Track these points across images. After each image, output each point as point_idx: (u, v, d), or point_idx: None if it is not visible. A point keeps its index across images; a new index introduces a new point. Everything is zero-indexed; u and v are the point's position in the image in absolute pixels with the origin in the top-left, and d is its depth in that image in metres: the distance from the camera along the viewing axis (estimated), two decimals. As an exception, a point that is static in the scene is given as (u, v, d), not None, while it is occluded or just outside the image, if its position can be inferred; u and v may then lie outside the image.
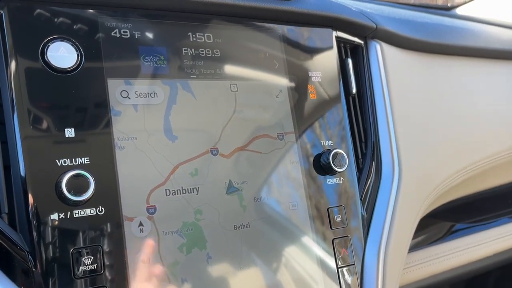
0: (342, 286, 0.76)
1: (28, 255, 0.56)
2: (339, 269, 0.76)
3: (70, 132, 0.60)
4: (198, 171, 0.68)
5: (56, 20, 0.62)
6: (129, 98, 0.65)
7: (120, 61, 0.65)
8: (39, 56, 0.60)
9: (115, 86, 0.64)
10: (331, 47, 0.85)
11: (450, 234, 1.12)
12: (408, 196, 0.86)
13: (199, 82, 0.71)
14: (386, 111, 0.88)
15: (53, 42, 0.61)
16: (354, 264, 0.78)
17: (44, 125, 0.59)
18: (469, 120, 1.05)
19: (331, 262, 0.76)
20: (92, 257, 0.58)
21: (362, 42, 0.91)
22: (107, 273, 0.58)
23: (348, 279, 0.77)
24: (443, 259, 1.04)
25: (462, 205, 1.23)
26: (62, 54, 0.61)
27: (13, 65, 0.58)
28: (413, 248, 1.04)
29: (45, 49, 0.60)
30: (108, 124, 0.62)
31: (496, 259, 1.15)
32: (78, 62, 0.62)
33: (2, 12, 0.59)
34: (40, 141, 0.58)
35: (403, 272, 1.00)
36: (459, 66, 1.09)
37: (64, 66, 0.61)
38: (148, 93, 0.67)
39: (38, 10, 0.61)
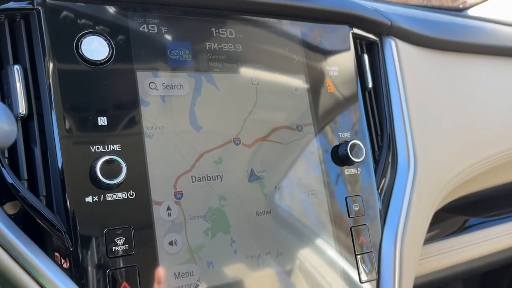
0: (360, 272, 0.78)
1: (65, 235, 0.59)
2: (357, 256, 0.79)
3: (102, 121, 0.63)
4: (222, 159, 0.71)
5: (88, 16, 0.66)
6: (157, 89, 0.69)
7: (148, 54, 0.69)
8: (74, 49, 0.64)
9: (143, 78, 0.68)
10: (348, 43, 0.88)
11: (465, 228, 1.13)
12: (423, 187, 0.88)
13: (222, 75, 0.74)
14: (401, 105, 0.91)
15: (86, 37, 0.65)
16: (371, 251, 0.80)
17: (79, 114, 0.62)
18: (482, 116, 1.07)
19: (349, 249, 0.78)
20: (124, 238, 0.61)
21: (377, 39, 0.94)
22: (138, 253, 0.62)
23: (366, 266, 0.79)
24: (458, 251, 1.06)
25: (476, 201, 1.25)
26: (95, 48, 0.65)
27: (50, 58, 0.62)
28: (428, 240, 1.06)
29: (79, 43, 0.64)
30: (138, 113, 0.66)
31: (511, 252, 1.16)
32: (109, 55, 0.66)
33: (40, 9, 0.63)
34: (75, 130, 0.62)
35: (418, 263, 1.01)
36: (473, 63, 1.11)
37: (97, 59, 0.65)
38: (174, 85, 0.70)
39: (72, 8, 0.65)
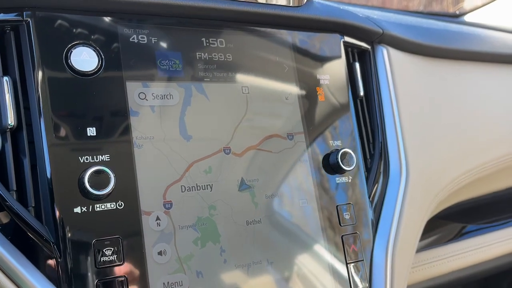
0: (351, 281, 0.78)
1: (53, 245, 0.59)
2: (348, 265, 0.79)
3: (91, 131, 0.64)
4: (212, 168, 0.71)
5: (78, 27, 0.66)
6: (147, 99, 0.69)
7: (138, 65, 0.69)
8: (63, 61, 0.64)
9: (133, 88, 0.68)
10: (339, 52, 0.88)
11: (461, 235, 1.13)
12: (415, 196, 0.88)
13: (212, 85, 0.75)
14: (393, 113, 0.91)
15: (76, 47, 0.65)
16: (363, 260, 0.80)
17: (68, 125, 0.63)
18: (476, 123, 1.07)
19: (340, 257, 0.78)
20: (113, 248, 0.61)
21: (369, 47, 0.94)
22: (126, 264, 0.62)
23: (358, 274, 0.79)
24: (452, 258, 1.06)
25: (472, 207, 1.25)
26: (84, 58, 0.66)
27: (39, 69, 0.63)
28: (424, 247, 1.06)
29: (69, 54, 0.65)
30: (127, 124, 0.66)
31: (508, 259, 1.16)
32: (99, 66, 0.66)
33: (29, 20, 0.64)
34: (64, 140, 0.62)
35: (412, 271, 1.01)
36: (466, 70, 1.11)
37: (86, 70, 0.65)
38: (164, 95, 0.70)
39: (62, 18, 0.66)
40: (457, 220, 1.21)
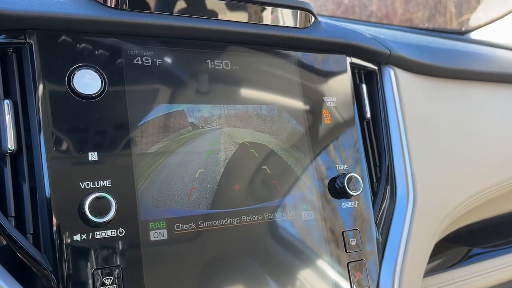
0: (357, 308, 0.76)
1: (51, 274, 0.58)
2: (354, 291, 0.77)
3: (93, 156, 0.62)
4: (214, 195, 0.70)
5: (81, 49, 0.65)
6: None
7: (142, 87, 0.68)
8: (66, 83, 0.63)
9: (137, 112, 0.67)
10: (345, 73, 0.87)
11: (467, 259, 1.11)
12: (423, 220, 0.86)
13: (218, 107, 0.73)
14: (400, 136, 0.89)
15: (79, 70, 0.64)
16: (369, 287, 0.78)
17: (69, 149, 0.61)
18: (484, 144, 1.05)
19: (345, 285, 0.76)
20: (112, 278, 0.59)
21: (376, 68, 0.93)
22: (126, 293, 0.60)
23: (363, 300, 0.77)
24: (460, 284, 1.04)
25: (478, 230, 1.22)
26: (87, 81, 0.64)
27: (41, 90, 0.61)
28: (429, 272, 1.04)
29: (71, 76, 0.63)
30: (129, 148, 0.65)
31: (515, 284, 1.13)
32: (102, 89, 0.65)
33: (31, 41, 0.63)
34: (65, 164, 0.61)
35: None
36: (473, 91, 1.10)
37: (89, 93, 0.64)
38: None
39: (65, 39, 0.65)
40: (464, 242, 1.19)
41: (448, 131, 0.99)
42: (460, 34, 1.66)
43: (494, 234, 1.24)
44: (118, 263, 0.60)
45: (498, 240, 1.21)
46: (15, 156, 0.62)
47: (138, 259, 0.62)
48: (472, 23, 1.70)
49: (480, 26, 1.61)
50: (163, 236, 0.64)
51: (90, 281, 0.58)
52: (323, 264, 0.75)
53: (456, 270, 1.05)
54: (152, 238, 0.64)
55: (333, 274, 0.75)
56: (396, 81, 0.93)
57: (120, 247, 0.61)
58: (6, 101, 0.61)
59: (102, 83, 0.65)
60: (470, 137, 1.03)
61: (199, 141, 0.71)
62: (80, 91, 0.64)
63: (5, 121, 0.61)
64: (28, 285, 0.57)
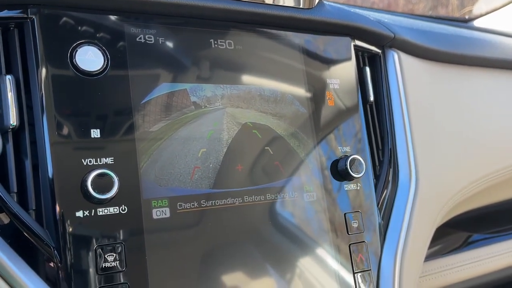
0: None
1: (54, 250, 0.57)
2: (355, 274, 0.77)
3: (95, 133, 0.62)
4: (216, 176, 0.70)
5: (84, 25, 0.65)
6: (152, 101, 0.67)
7: (144, 65, 0.68)
8: (68, 60, 0.62)
9: (139, 89, 0.66)
10: (349, 56, 0.86)
11: (467, 245, 1.11)
12: (425, 204, 0.86)
13: (220, 86, 0.73)
14: (403, 119, 0.89)
15: (81, 46, 0.64)
16: (370, 269, 0.78)
17: (71, 126, 0.61)
18: (487, 130, 1.05)
19: (347, 266, 0.76)
20: (115, 254, 0.59)
21: (379, 51, 0.93)
22: (129, 270, 0.60)
23: (365, 284, 0.77)
24: (460, 269, 1.04)
25: (479, 216, 1.22)
26: (90, 58, 0.64)
27: (43, 68, 0.61)
28: (430, 257, 1.04)
29: (74, 53, 0.63)
30: (132, 125, 0.64)
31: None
32: (104, 66, 0.64)
33: (34, 17, 0.62)
34: (67, 141, 0.60)
35: (419, 281, 0.99)
36: (477, 76, 1.09)
37: (92, 70, 0.63)
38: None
39: (68, 17, 0.64)
40: (464, 228, 1.19)
41: (451, 116, 0.99)
42: (464, 22, 1.65)
43: (493, 221, 1.24)
44: (121, 240, 0.60)
45: (497, 227, 1.21)
46: (17, 132, 0.61)
47: (141, 236, 0.62)
48: (475, 13, 1.69)
49: (482, 15, 1.60)
50: (165, 214, 0.64)
51: (93, 258, 0.58)
52: (325, 245, 0.75)
53: (457, 255, 1.06)
54: (154, 216, 0.63)
55: (335, 255, 0.75)
56: (400, 65, 0.92)
57: (123, 225, 0.61)
58: (8, 77, 0.61)
59: (104, 60, 0.65)
60: (473, 122, 1.03)
61: (201, 121, 0.71)
62: (83, 67, 0.63)
63: (7, 97, 0.60)
64: (31, 261, 0.57)
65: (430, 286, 1.00)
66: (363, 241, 0.79)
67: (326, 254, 0.75)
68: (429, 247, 1.05)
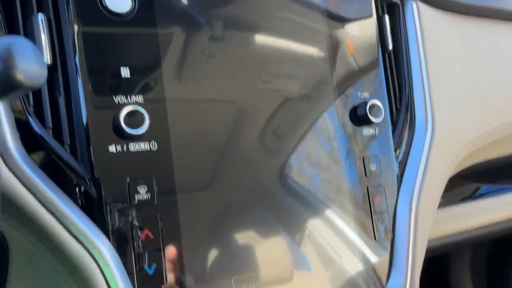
0: (375, 232, 0.79)
1: (89, 182, 0.60)
2: (373, 215, 0.80)
3: (125, 72, 0.64)
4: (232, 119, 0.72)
5: None
6: (178, 47, 0.69)
7: (172, 11, 0.69)
8: (97, 0, 0.64)
9: (166, 35, 0.68)
10: (369, 4, 0.87)
11: (478, 195, 1.13)
12: (440, 150, 0.88)
13: (238, 41, 0.74)
14: (420, 68, 0.90)
15: (109, -13, 0.65)
16: (387, 212, 0.81)
17: (102, 64, 0.63)
18: (503, 82, 1.06)
19: (365, 208, 0.79)
20: (146, 187, 0.62)
21: (398, 1, 0.93)
22: (159, 203, 0.63)
23: (382, 225, 0.80)
24: (470, 217, 1.07)
25: (490, 169, 1.24)
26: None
27: (73, 7, 0.62)
28: (441, 205, 1.06)
29: (103, -6, 0.64)
30: (160, 68, 0.66)
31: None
32: (133, 7, 0.66)
33: None
34: (98, 80, 0.62)
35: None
36: (496, 29, 1.09)
37: (120, 10, 0.65)
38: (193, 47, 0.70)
39: (95, -43, 0.65)
40: (473, 180, 1.21)
41: (469, 66, 1.00)
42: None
43: (504, 175, 1.26)
44: (152, 175, 0.63)
45: (508, 179, 1.23)
46: (51, 70, 0.63)
47: (170, 170, 0.64)
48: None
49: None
50: (193, 152, 0.67)
51: (125, 190, 0.61)
52: (344, 186, 0.78)
53: (468, 203, 1.08)
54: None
55: (353, 197, 0.78)
56: (419, 15, 0.93)
57: (153, 160, 0.63)
58: (40, 16, 0.62)
59: (132, 2, 0.66)
60: (490, 73, 1.04)
61: None
62: (112, 8, 0.64)
63: (40, 35, 0.62)
64: (67, 192, 0.60)
65: (441, 233, 1.03)
66: (381, 184, 0.81)
67: (344, 195, 0.77)
68: (441, 197, 1.08)
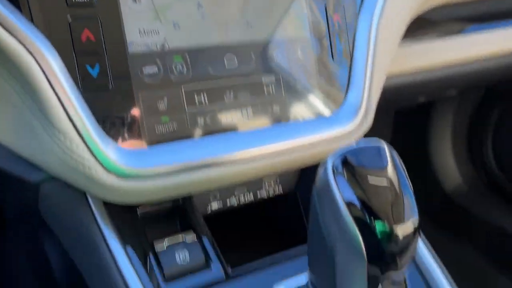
0: (333, 51, 0.78)
1: None
2: (331, 36, 0.78)
3: None
4: None
5: None
6: None
7: None
8: None
9: None
10: None
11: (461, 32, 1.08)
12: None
13: None
14: None
15: None
16: (346, 31, 0.80)
17: None
18: None
19: (321, 28, 0.77)
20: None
21: None
22: (99, 6, 0.62)
23: (340, 44, 0.79)
24: (438, 52, 1.03)
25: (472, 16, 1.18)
26: None
27: None
28: (418, 39, 1.03)
29: None
30: None
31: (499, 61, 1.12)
32: None
33: None
34: None
35: (402, 62, 1.01)
36: None
37: None
38: None
39: None
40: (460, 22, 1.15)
41: None
42: None
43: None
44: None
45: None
46: None
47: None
48: None
49: None
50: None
51: None
52: (300, 2, 0.75)
53: (449, 38, 1.04)
54: None
55: (309, 14, 0.76)
56: None
57: None
58: None
59: None
60: None
61: None
62: None
63: None
64: None
65: (405, 69, 1.01)
66: (340, 3, 0.79)
67: (299, 7, 0.75)
68: (419, 34, 1.05)
